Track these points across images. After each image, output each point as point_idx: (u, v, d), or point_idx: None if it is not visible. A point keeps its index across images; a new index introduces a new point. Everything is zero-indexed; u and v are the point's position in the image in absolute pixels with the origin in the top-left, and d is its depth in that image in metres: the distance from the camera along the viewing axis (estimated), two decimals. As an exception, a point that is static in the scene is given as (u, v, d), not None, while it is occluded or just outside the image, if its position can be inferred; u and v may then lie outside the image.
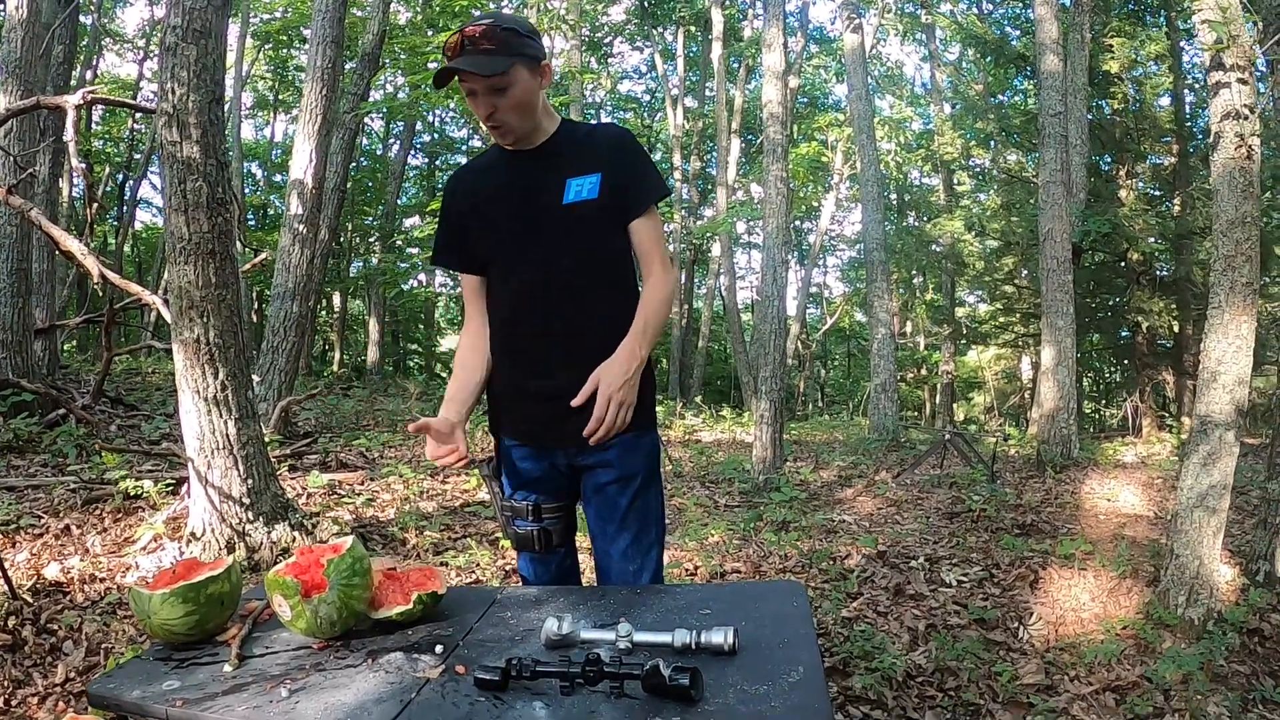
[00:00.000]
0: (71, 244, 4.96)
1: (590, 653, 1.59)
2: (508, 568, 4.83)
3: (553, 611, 1.97)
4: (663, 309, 2.32)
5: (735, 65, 22.41)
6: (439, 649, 1.80)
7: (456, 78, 2.21)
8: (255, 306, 22.59)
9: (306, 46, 10.92)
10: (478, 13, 15.86)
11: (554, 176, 2.31)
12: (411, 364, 29.07)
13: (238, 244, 8.26)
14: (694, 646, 1.70)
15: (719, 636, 1.69)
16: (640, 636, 1.73)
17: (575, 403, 2.17)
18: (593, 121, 3.18)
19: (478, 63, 2.16)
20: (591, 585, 2.24)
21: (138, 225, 24.13)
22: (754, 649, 1.72)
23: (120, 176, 22.08)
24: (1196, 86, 14.77)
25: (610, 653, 1.65)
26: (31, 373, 7.58)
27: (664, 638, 1.72)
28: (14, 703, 3.00)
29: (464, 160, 26.62)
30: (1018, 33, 17.80)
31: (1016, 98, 18.92)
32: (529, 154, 2.35)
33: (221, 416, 4.40)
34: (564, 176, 2.30)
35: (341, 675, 1.71)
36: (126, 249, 23.03)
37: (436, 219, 2.60)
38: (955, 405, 23.86)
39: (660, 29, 24.66)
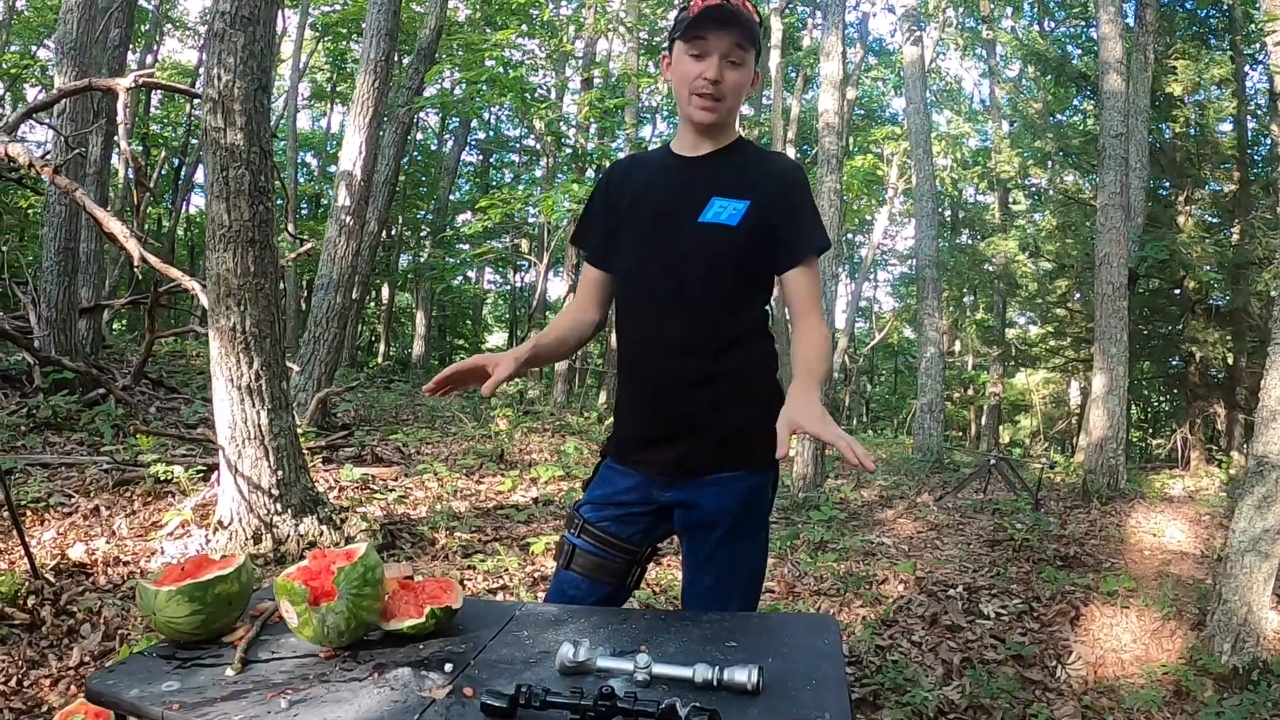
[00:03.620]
0: (114, 225, 4.97)
1: (604, 686, 1.50)
2: (536, 574, 4.76)
3: (571, 633, 1.89)
4: (827, 358, 2.10)
5: (793, 74, 22.27)
6: (448, 667, 1.72)
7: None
8: (305, 294, 22.81)
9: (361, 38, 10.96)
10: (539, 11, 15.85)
11: (701, 189, 2.15)
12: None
13: (287, 232, 8.32)
14: (715, 684, 1.60)
15: (742, 675, 1.59)
16: (659, 669, 1.64)
17: (780, 455, 1.78)
18: (769, 149, 3.02)
19: (747, 20, 2.05)
20: (616, 607, 2.14)
21: (192, 209, 24.42)
22: (779, 689, 1.62)
23: (176, 160, 22.36)
24: (1259, 113, 14.46)
25: (626, 686, 1.56)
26: (74, 351, 7.64)
27: (684, 672, 1.63)
28: (26, 683, 2.98)
29: (516, 158, 26.76)
30: (1079, 51, 17.53)
31: (1076, 117, 18.61)
32: (692, 160, 2.20)
33: (254, 406, 4.37)
34: (711, 192, 2.14)
35: (345, 689, 1.64)
36: (180, 233, 23.32)
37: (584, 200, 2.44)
38: (1000, 427, 23.52)
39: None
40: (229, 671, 1.70)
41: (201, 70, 21.41)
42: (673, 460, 2.17)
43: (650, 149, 2.44)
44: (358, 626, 1.79)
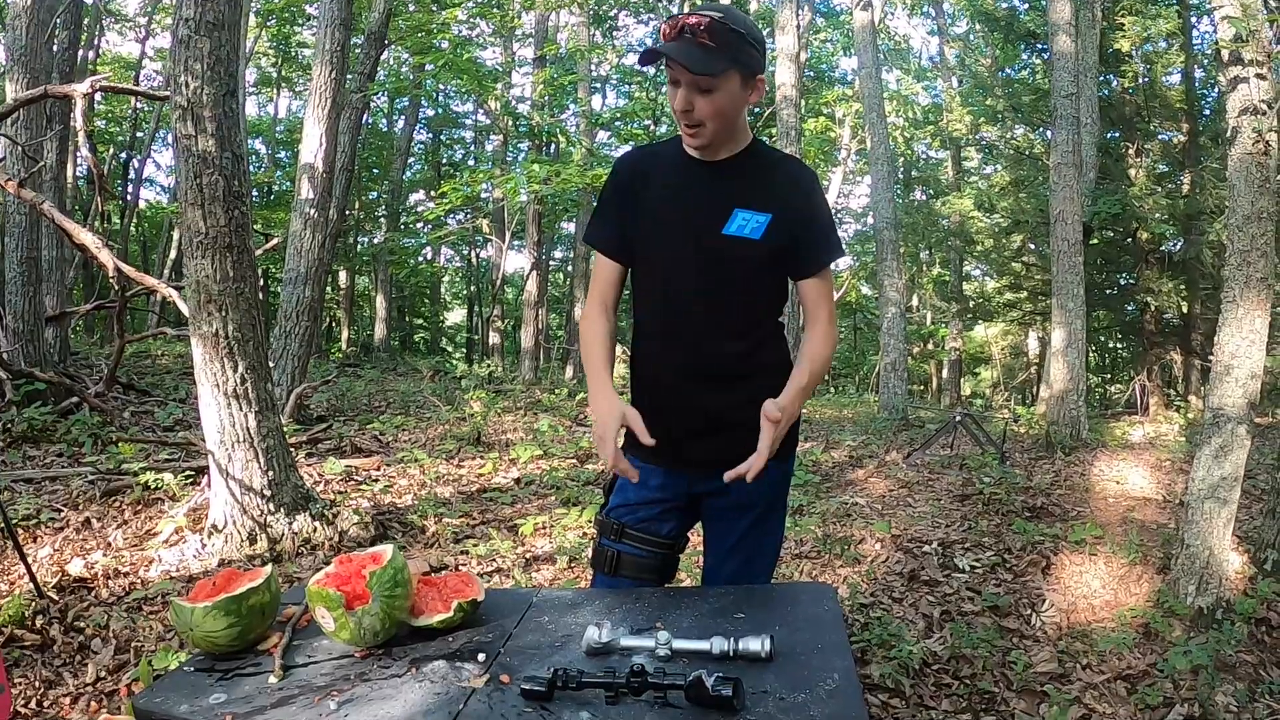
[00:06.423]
0: (85, 237, 4.97)
1: (633, 663, 1.61)
2: (528, 556, 4.88)
3: (590, 615, 2.00)
4: (824, 367, 2.24)
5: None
6: (481, 657, 1.81)
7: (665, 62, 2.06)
8: (261, 283, 22.59)
9: (312, 26, 10.84)
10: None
11: (723, 200, 2.20)
12: (418, 339, 29.14)
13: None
14: (731, 654, 1.72)
15: (755, 644, 1.72)
16: (679, 644, 1.76)
17: (727, 476, 2.06)
18: (780, 150, 3.02)
19: (690, 55, 2.01)
20: (627, 588, 2.25)
21: (141, 204, 24.05)
22: (789, 656, 1.74)
23: (124, 155, 22.02)
24: (1207, 63, 14.69)
25: (651, 662, 1.68)
26: (44, 361, 7.60)
27: (702, 645, 1.75)
28: (46, 703, 3.04)
29: (469, 135, 26.59)
30: (1025, 5, 17.65)
31: (1024, 72, 18.78)
32: (708, 165, 2.23)
33: (242, 410, 4.43)
34: (733, 204, 2.19)
35: (387, 686, 1.74)
36: (132, 228, 23.00)
37: (598, 195, 2.45)
38: (962, 380, 23.87)
39: (666, 1, 24.49)
40: (272, 679, 1.79)
41: (146, 62, 21.11)
42: (708, 454, 2.26)
43: (658, 142, 2.43)
44: (391, 626, 1.89)
